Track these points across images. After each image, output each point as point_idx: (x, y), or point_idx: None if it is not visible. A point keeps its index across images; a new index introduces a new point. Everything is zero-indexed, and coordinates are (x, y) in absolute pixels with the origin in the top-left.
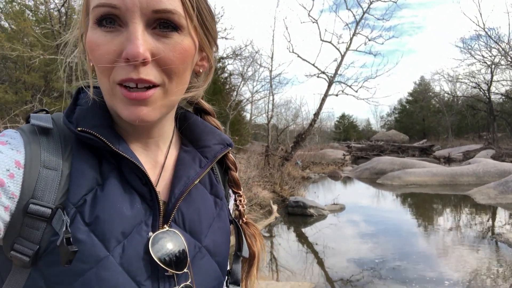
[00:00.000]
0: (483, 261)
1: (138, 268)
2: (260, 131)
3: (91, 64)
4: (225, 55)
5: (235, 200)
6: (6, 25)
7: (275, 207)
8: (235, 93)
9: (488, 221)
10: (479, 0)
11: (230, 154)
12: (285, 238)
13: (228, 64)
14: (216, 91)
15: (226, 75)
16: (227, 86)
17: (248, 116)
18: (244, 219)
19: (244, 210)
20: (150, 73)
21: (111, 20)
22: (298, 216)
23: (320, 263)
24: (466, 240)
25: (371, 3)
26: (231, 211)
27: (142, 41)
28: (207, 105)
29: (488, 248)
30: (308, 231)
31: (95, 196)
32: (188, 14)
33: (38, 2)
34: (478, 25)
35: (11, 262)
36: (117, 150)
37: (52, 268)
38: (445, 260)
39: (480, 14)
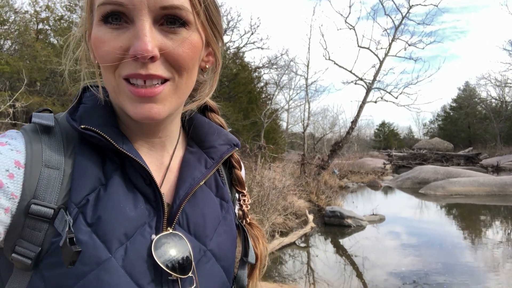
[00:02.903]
0: None
1: (141, 271)
2: (297, 140)
3: (96, 61)
4: (261, 65)
5: (239, 200)
6: (55, 41)
7: (311, 217)
8: (271, 101)
9: None
10: None
11: (236, 154)
12: (322, 249)
13: (264, 73)
14: (252, 100)
15: (262, 84)
16: (263, 95)
17: (284, 125)
18: (247, 219)
19: (248, 210)
20: (159, 69)
21: (117, 17)
22: (335, 226)
23: (359, 275)
24: None
25: (410, 7)
26: (236, 213)
27: (150, 38)
28: (211, 102)
29: None
30: (345, 242)
31: (97, 196)
32: (195, 9)
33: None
34: None
35: (12, 264)
36: (121, 149)
37: (52, 271)
38: (494, 275)
39: None
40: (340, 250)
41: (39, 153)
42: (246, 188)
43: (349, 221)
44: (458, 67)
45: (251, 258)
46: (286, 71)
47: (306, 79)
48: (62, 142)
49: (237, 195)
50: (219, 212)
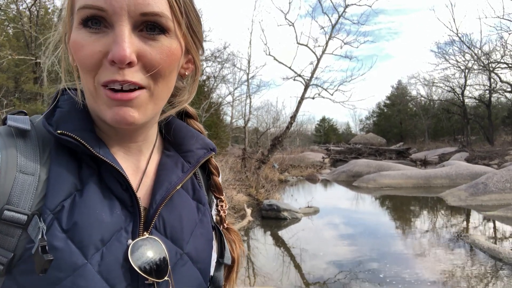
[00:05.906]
0: (456, 262)
1: (117, 276)
2: (241, 134)
3: (75, 64)
4: (203, 57)
5: (217, 206)
6: None
7: (249, 211)
8: (212, 95)
9: (458, 223)
10: (452, 6)
11: (213, 159)
12: (260, 241)
13: (207, 66)
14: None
15: (204, 77)
16: (205, 89)
17: (228, 119)
18: (225, 224)
19: (225, 215)
20: (135, 75)
21: (96, 21)
22: (272, 219)
23: (297, 266)
24: (440, 241)
25: (346, 6)
26: (213, 217)
27: (129, 44)
28: (190, 109)
29: (461, 249)
30: (283, 234)
31: (73, 202)
32: (175, 17)
33: (8, 1)
34: (452, 31)
35: None
36: (97, 154)
37: (27, 277)
38: (421, 261)
39: (454, 19)
40: (278, 243)
41: (14, 157)
42: (223, 194)
43: (285, 213)
44: (392, 66)
45: (227, 259)
46: (228, 65)
47: (248, 74)
48: (37, 147)
49: (214, 200)
50: (196, 215)
